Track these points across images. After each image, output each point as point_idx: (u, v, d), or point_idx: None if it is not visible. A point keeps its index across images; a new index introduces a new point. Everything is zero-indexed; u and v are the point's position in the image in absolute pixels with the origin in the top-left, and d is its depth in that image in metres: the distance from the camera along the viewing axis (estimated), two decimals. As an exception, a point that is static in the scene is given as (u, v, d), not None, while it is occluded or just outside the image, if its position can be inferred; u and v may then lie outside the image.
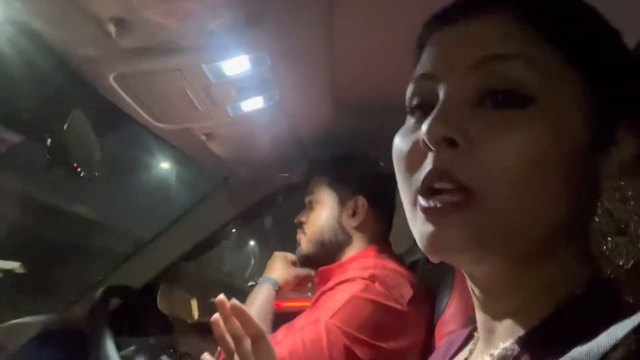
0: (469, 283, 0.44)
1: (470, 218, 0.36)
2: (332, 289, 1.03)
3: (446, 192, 0.37)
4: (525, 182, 0.35)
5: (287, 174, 1.37)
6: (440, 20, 0.42)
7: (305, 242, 1.19)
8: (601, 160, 0.37)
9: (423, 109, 0.41)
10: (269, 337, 0.96)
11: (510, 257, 0.38)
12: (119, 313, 1.35)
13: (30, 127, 0.88)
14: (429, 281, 1.06)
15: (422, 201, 0.38)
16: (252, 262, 1.48)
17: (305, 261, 1.21)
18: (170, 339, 1.37)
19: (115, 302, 1.33)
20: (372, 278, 1.00)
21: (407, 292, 1.02)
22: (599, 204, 0.36)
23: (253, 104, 0.99)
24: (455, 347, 0.51)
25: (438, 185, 0.37)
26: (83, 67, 0.81)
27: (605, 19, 0.40)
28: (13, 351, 1.03)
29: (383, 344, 0.96)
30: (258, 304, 1.20)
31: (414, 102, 0.42)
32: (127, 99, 0.89)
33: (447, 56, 0.40)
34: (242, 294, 1.27)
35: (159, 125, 1.01)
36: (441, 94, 0.39)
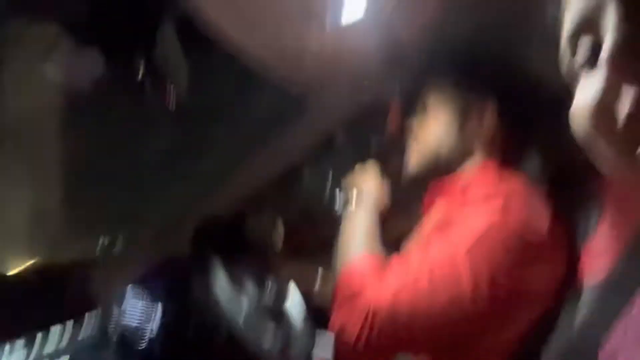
0: None
1: None
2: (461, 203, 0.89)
3: None
4: None
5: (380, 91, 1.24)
6: None
7: (418, 157, 1.03)
8: None
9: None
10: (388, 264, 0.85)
11: None
12: (219, 241, 1.34)
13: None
14: (565, 197, 0.88)
15: None
16: (338, 191, 1.39)
17: (416, 180, 1.05)
18: (267, 265, 1.36)
19: (212, 230, 1.33)
20: (506, 203, 0.85)
21: (544, 217, 0.85)
22: None
23: (353, 14, 0.87)
24: None
25: None
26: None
27: None
28: (132, 281, 1.05)
29: (525, 284, 0.83)
30: (363, 233, 1.00)
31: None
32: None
33: None
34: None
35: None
36: None
